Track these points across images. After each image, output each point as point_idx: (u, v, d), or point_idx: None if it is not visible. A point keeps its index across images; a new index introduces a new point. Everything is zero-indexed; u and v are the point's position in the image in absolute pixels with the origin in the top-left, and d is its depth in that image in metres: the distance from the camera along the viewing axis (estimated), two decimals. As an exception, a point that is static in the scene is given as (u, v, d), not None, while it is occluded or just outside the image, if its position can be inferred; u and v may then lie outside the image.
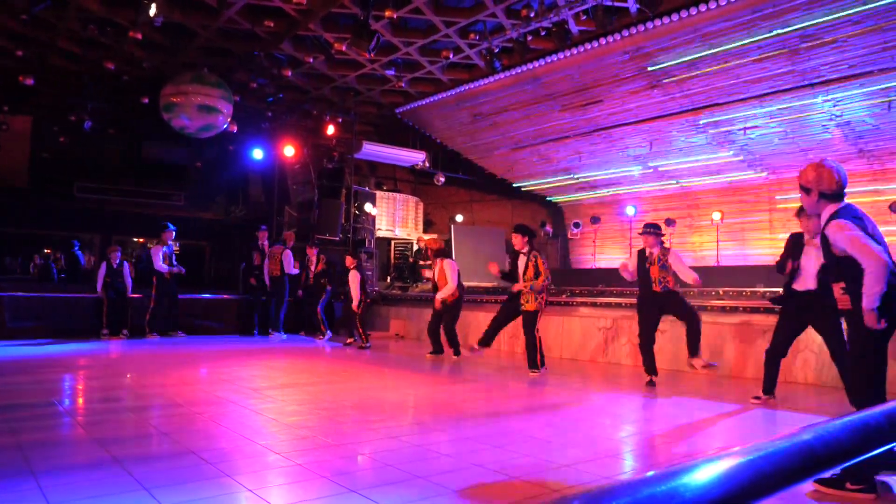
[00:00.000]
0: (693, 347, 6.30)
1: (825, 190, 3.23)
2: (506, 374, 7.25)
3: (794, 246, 5.41)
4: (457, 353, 8.52)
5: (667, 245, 6.70)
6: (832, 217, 3.19)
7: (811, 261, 5.21)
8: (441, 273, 8.58)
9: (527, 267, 7.26)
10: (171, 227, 11.03)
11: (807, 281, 5.25)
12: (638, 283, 6.66)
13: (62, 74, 12.21)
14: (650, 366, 6.47)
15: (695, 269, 6.49)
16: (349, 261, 9.87)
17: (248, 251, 11.95)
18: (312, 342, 10.59)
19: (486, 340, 7.63)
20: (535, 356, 7.15)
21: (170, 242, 10.93)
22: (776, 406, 5.37)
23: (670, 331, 7.90)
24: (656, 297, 6.44)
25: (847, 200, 3.28)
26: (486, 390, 6.17)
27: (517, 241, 7.40)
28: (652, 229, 6.58)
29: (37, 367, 6.99)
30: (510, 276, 7.49)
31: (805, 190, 3.31)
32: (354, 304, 9.68)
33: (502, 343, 10.07)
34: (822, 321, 5.12)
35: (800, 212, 5.35)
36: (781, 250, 5.62)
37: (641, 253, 6.60)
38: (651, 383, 6.41)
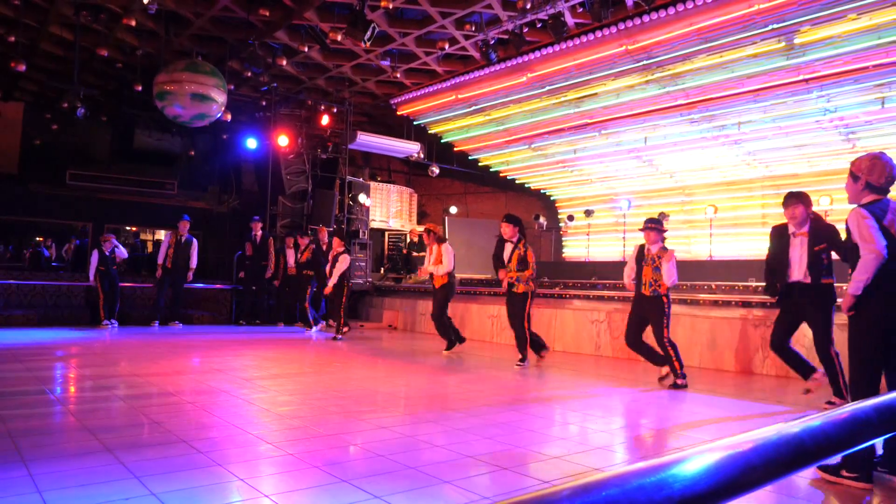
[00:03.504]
0: (659, 363, 6.23)
1: (873, 181, 3.31)
2: (498, 366, 7.27)
3: (780, 239, 5.32)
4: (449, 346, 8.37)
5: (667, 246, 6.40)
6: (860, 206, 3.33)
7: (796, 252, 5.16)
8: (438, 257, 8.43)
9: (512, 255, 7.34)
10: (187, 217, 11.07)
11: (795, 272, 5.17)
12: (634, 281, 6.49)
13: (54, 61, 12.11)
14: (652, 360, 6.33)
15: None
16: (338, 243, 9.82)
17: (242, 242, 11.96)
18: (301, 332, 10.59)
19: (533, 344, 7.53)
20: (524, 344, 7.24)
21: (185, 234, 10.94)
22: (765, 400, 5.40)
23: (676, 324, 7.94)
24: (642, 300, 6.26)
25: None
26: (477, 381, 6.18)
27: (507, 230, 7.46)
28: (654, 225, 6.29)
29: (28, 355, 6.96)
30: (497, 264, 7.59)
31: (854, 176, 3.37)
32: (328, 288, 9.67)
33: (494, 335, 10.10)
34: (814, 314, 5.11)
35: (786, 200, 5.25)
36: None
37: (641, 249, 6.39)
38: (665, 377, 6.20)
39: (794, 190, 5.38)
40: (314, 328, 10.81)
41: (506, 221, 7.51)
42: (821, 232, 5.09)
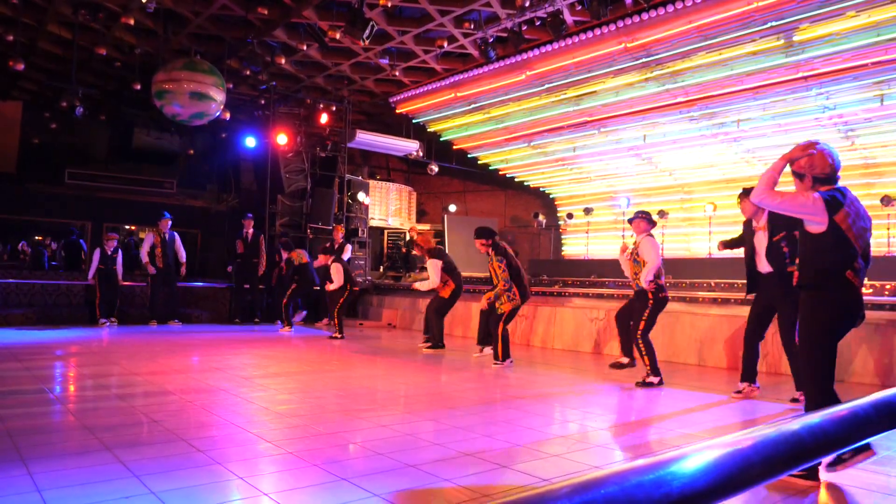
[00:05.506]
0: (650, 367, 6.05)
1: (818, 174, 3.14)
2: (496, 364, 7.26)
3: (749, 233, 5.47)
4: (435, 345, 8.26)
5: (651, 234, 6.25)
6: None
7: (761, 244, 5.26)
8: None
9: (489, 269, 7.21)
10: (167, 215, 11.00)
11: (761, 263, 5.28)
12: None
13: (53, 60, 12.09)
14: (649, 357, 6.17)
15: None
16: (323, 259, 9.85)
17: (233, 240, 11.93)
18: (316, 332, 10.58)
19: (486, 338, 7.52)
20: (497, 350, 7.09)
21: (167, 231, 10.88)
22: (762, 397, 5.40)
23: (661, 321, 7.94)
24: (635, 295, 6.23)
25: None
26: (476, 379, 6.18)
27: (479, 245, 7.28)
28: (643, 215, 6.20)
29: (27, 353, 6.96)
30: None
31: (798, 176, 3.20)
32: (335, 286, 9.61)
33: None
34: (782, 307, 5.12)
35: (741, 195, 5.42)
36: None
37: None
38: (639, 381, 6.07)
39: (747, 186, 5.46)
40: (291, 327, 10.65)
41: (476, 238, 7.29)
42: (777, 221, 5.15)
